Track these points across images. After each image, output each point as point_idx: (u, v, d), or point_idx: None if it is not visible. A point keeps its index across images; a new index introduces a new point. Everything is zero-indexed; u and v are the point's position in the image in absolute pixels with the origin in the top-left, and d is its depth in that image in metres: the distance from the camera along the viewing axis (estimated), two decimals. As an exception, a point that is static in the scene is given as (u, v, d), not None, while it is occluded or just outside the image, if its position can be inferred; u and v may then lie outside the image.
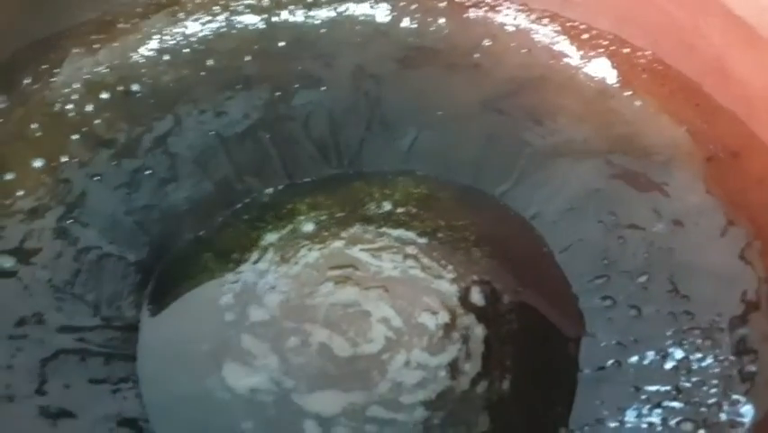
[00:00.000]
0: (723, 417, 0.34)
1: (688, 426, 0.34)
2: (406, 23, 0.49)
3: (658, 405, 0.35)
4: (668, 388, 0.36)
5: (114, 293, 0.38)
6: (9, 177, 0.39)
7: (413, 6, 0.49)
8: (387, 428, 0.36)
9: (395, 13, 0.49)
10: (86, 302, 0.37)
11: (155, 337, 0.38)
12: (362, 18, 0.49)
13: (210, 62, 0.46)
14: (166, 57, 0.46)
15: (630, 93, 0.45)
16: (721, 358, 0.36)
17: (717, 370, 0.36)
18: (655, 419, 0.35)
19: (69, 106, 0.42)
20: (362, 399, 0.37)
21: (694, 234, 0.41)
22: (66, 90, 0.43)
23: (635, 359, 0.37)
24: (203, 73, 0.46)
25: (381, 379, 0.37)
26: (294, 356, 0.38)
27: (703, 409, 0.35)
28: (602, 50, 0.46)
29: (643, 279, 0.40)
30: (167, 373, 0.37)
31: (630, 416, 0.35)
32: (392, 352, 0.38)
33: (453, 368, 0.38)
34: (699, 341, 0.37)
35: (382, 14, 0.49)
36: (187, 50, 0.46)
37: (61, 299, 0.37)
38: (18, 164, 0.40)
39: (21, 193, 0.39)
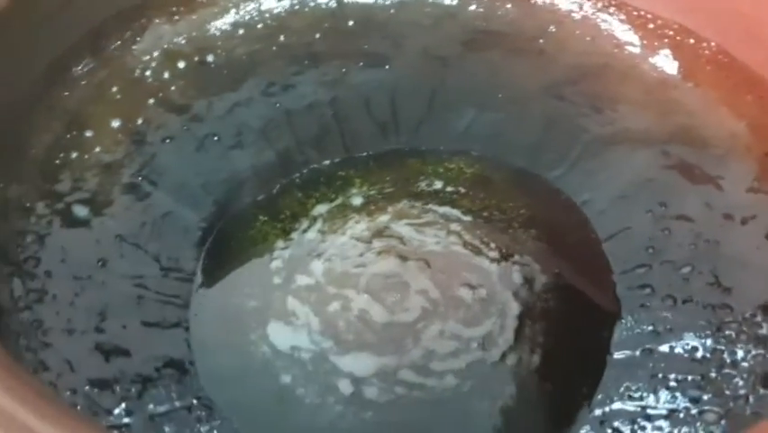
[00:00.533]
0: (748, 410, 0.34)
1: (710, 416, 0.34)
2: (473, 6, 0.50)
3: (684, 393, 0.35)
4: (696, 378, 0.36)
5: (175, 247, 0.41)
6: (89, 134, 0.43)
7: (481, -10, 0.50)
8: (415, 391, 0.37)
9: (463, -4, 0.50)
10: (147, 253, 0.40)
11: (208, 290, 0.40)
12: (431, 0, 0.50)
13: (281, 38, 0.49)
14: (240, 31, 0.49)
15: (692, 84, 0.45)
16: (754, 353, 0.36)
17: (748, 364, 0.35)
18: (679, 406, 0.35)
19: (148, 73, 0.46)
20: (395, 362, 0.38)
21: (743, 230, 0.40)
22: (146, 57, 0.46)
23: (666, 347, 0.37)
24: (274, 48, 0.49)
25: (414, 346, 0.39)
26: (334, 319, 0.39)
27: (729, 401, 0.35)
28: (667, 39, 0.46)
29: (686, 270, 0.40)
30: (215, 323, 0.39)
31: (653, 401, 0.36)
32: (427, 321, 0.39)
33: (486, 341, 0.39)
34: (734, 334, 0.37)
35: (451, -3, 0.50)
36: (261, 25, 0.49)
37: (125, 248, 0.40)
38: (97, 123, 0.43)
39: (98, 149, 0.43)
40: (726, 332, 0.37)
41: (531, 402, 0.37)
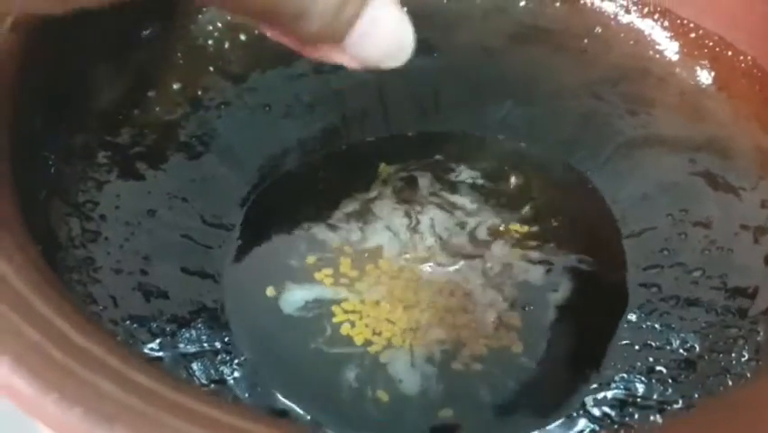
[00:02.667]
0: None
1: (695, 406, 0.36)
2: (523, 2, 0.52)
3: (676, 389, 0.37)
4: (691, 375, 0.38)
5: (219, 204, 0.45)
6: (151, 94, 0.46)
7: (533, -13, 0.52)
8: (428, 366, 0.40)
9: (516, -8, 0.52)
10: (194, 207, 0.44)
11: (246, 245, 0.44)
12: (484, -6, 0.52)
13: (338, 18, 0.51)
14: (300, 9, 0.51)
15: (726, 96, 0.46)
16: (747, 358, 0.37)
17: (740, 369, 0.37)
18: (669, 400, 0.37)
19: (210, 42, 0.49)
20: (420, 334, 0.41)
21: (758, 242, 0.42)
22: (209, 28, 0.49)
23: (666, 344, 0.39)
24: (330, 27, 0.51)
25: (429, 326, 0.41)
26: (361, 286, 0.43)
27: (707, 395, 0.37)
28: (706, 50, 0.47)
29: (696, 274, 0.42)
30: (250, 276, 0.43)
31: (646, 392, 0.38)
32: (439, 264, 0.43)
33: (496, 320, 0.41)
34: (733, 339, 0.38)
35: (504, -8, 0.52)
36: (320, 5, 0.52)
37: (174, 202, 0.43)
38: (160, 84, 0.47)
39: (158, 109, 0.46)
40: (726, 336, 0.39)
41: (526, 386, 0.39)
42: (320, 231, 0.45)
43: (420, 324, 0.41)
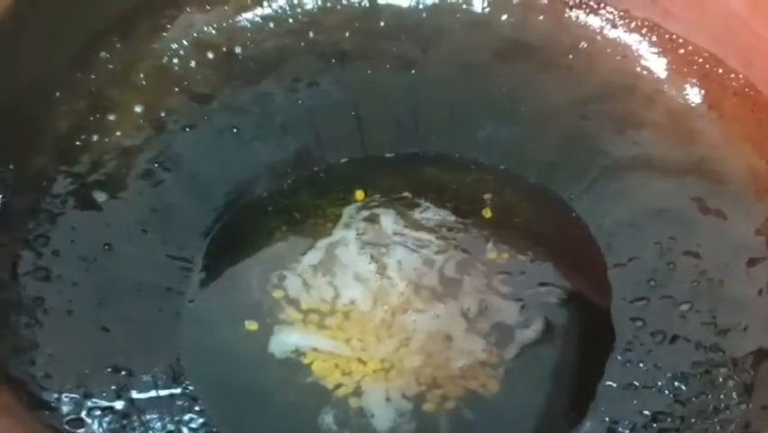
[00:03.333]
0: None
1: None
2: (505, 16, 0.50)
3: (655, 426, 0.35)
4: (677, 421, 0.36)
5: (181, 235, 0.42)
6: (111, 117, 0.44)
7: (515, 1, 0.49)
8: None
9: (496, 6, 0.50)
10: (154, 239, 0.41)
11: (207, 281, 0.42)
12: (464, 7, 0.50)
13: (311, 34, 0.49)
14: (271, 24, 0.49)
15: (717, 115, 0.44)
16: (738, 401, 0.35)
17: (730, 413, 0.35)
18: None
19: (175, 61, 0.47)
20: (386, 376, 0.39)
21: (748, 272, 0.39)
22: (174, 45, 0.47)
23: (652, 384, 0.37)
24: (302, 44, 0.49)
25: (400, 359, 0.39)
26: (327, 322, 0.40)
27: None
28: (696, 67, 0.45)
29: (684, 307, 0.39)
30: (210, 315, 0.41)
31: (620, 427, 0.36)
32: (417, 332, 0.40)
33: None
34: (722, 379, 0.36)
35: (483, 5, 0.50)
36: (292, 20, 0.49)
37: (133, 233, 0.41)
38: (121, 107, 0.44)
39: (119, 133, 0.44)
40: (715, 376, 0.37)
41: (509, 428, 0.37)
42: (287, 265, 0.43)
43: (394, 365, 0.39)
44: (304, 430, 0.37)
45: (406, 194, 0.46)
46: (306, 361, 0.39)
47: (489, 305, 0.41)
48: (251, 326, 0.40)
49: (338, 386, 0.38)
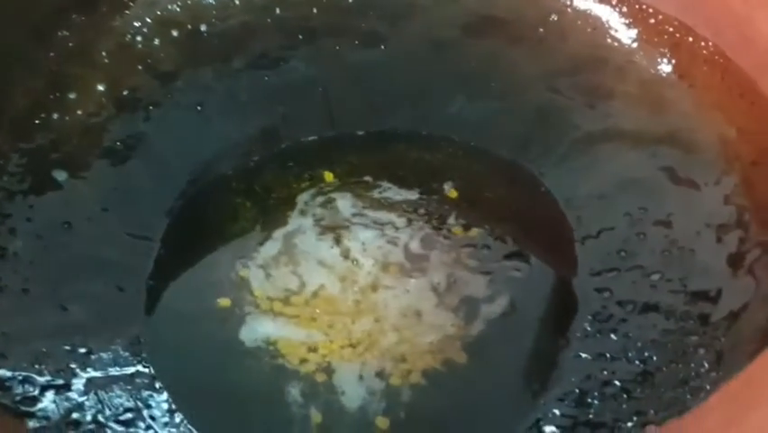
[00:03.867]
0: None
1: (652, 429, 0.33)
2: (476, -11, 0.49)
3: (629, 405, 0.35)
4: (647, 390, 0.35)
5: (143, 214, 0.42)
6: (72, 96, 0.43)
7: (485, -26, 0.49)
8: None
9: (467, -21, 0.49)
10: (114, 218, 0.41)
11: (169, 260, 0.41)
12: (434, -19, 0.49)
13: (277, 11, 0.48)
14: (237, 1, 0.48)
15: (688, 85, 0.43)
16: (708, 368, 0.34)
17: (701, 381, 0.34)
18: (622, 417, 0.34)
19: (138, 38, 0.46)
20: (357, 352, 0.38)
21: (721, 241, 0.39)
22: (137, 23, 0.46)
23: (621, 354, 0.36)
24: (269, 20, 0.48)
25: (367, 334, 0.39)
26: (287, 298, 0.40)
27: (674, 415, 0.33)
28: (666, 36, 0.44)
29: (655, 277, 0.39)
30: (169, 293, 0.40)
31: (599, 409, 0.35)
32: (386, 311, 0.39)
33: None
34: (692, 348, 0.36)
35: (454, -21, 0.49)
36: (258, -4, 0.49)
37: (93, 212, 0.40)
38: (82, 86, 0.44)
39: (80, 112, 0.43)
40: (686, 344, 0.36)
41: (472, 404, 0.37)
42: (248, 243, 0.42)
43: (362, 341, 0.38)
44: (269, 407, 0.36)
45: (366, 178, 0.45)
46: (271, 340, 0.38)
47: (458, 279, 0.40)
48: (224, 303, 0.39)
49: (303, 361, 0.37)
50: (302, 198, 0.43)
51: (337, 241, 0.42)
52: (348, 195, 0.44)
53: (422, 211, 0.43)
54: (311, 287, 0.40)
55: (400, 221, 0.43)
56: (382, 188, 0.44)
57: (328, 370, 0.37)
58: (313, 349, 0.38)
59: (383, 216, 0.43)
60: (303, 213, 0.43)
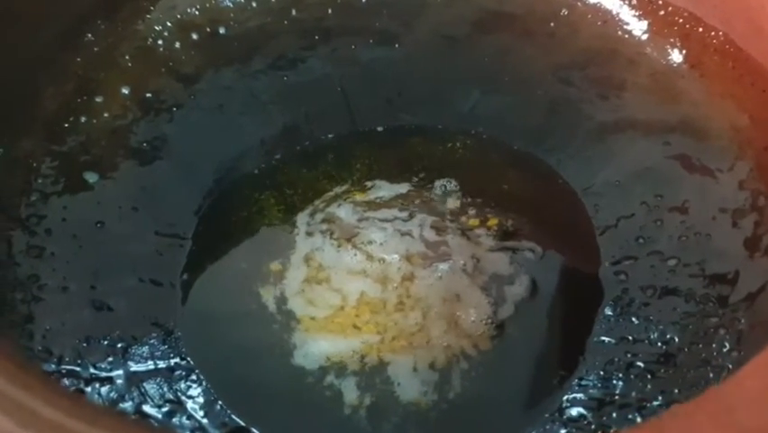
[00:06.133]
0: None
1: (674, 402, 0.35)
2: (487, -14, 0.50)
3: (655, 386, 0.36)
4: (670, 370, 0.36)
5: (172, 212, 0.43)
6: (98, 99, 0.44)
7: (495, -29, 0.50)
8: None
9: (476, -23, 0.50)
10: (145, 217, 0.42)
11: (199, 256, 0.42)
12: (445, -20, 0.50)
13: (294, 12, 0.49)
14: (254, 3, 0.49)
15: (699, 74, 0.44)
16: (729, 348, 0.36)
17: (722, 360, 0.35)
18: (648, 397, 0.35)
19: (160, 42, 0.47)
20: (376, 340, 0.39)
21: (734, 225, 0.40)
22: (158, 27, 0.47)
23: (644, 337, 0.38)
24: (286, 22, 0.49)
25: (394, 322, 0.40)
26: (315, 294, 0.41)
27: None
28: (676, 27, 0.45)
29: (672, 262, 0.40)
30: (203, 288, 0.41)
31: (624, 390, 0.36)
32: (411, 302, 0.40)
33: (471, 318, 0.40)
34: (713, 330, 0.37)
35: (465, -23, 0.50)
36: (275, -2, 0.50)
37: (124, 212, 0.41)
38: (107, 89, 0.45)
39: (106, 115, 0.44)
40: (706, 326, 0.37)
41: (506, 383, 0.38)
42: (277, 239, 0.43)
43: (414, 333, 0.39)
44: (309, 395, 0.37)
45: (395, 165, 0.46)
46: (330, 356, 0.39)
47: (481, 258, 0.41)
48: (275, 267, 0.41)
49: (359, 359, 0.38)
50: (302, 220, 0.44)
51: (356, 247, 0.42)
52: (344, 204, 0.44)
53: (417, 202, 0.44)
54: (353, 296, 0.40)
55: (403, 215, 0.44)
56: (375, 187, 0.45)
57: (382, 364, 0.38)
58: (369, 350, 0.39)
59: (386, 213, 0.44)
60: (310, 234, 0.43)
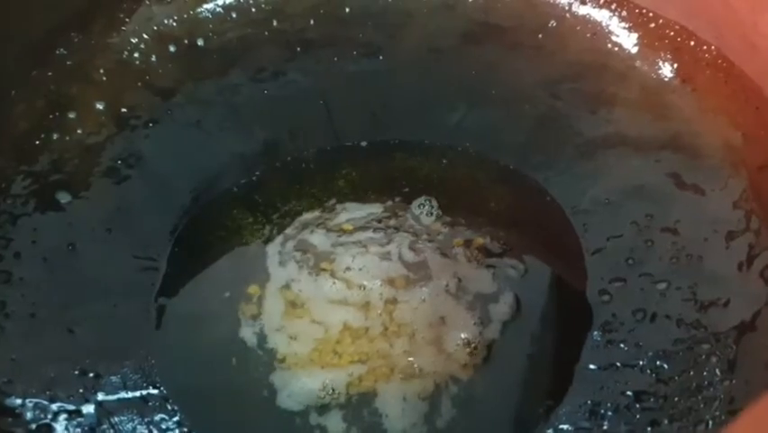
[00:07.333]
0: (701, 427, 0.33)
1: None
2: (473, -3, 0.49)
3: (645, 415, 0.34)
4: (660, 400, 0.35)
5: (147, 233, 0.41)
6: (71, 115, 0.43)
7: (482, -19, 0.49)
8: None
9: (463, -13, 0.49)
10: (119, 239, 0.40)
11: (174, 279, 0.40)
12: (431, -10, 0.49)
13: (274, 23, 0.48)
14: (233, 14, 0.48)
15: (691, 89, 0.43)
16: (721, 378, 0.34)
17: (714, 390, 0.34)
18: (636, 429, 0.34)
19: (136, 55, 0.45)
20: (359, 371, 0.38)
21: (727, 246, 0.39)
22: (134, 39, 0.45)
23: (633, 364, 0.36)
24: (266, 33, 0.48)
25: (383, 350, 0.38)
26: (295, 319, 0.39)
27: (690, 427, 0.33)
28: (667, 41, 0.44)
29: (662, 285, 0.39)
30: (178, 314, 0.39)
31: (614, 421, 0.35)
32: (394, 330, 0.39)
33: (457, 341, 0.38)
34: (704, 357, 0.36)
35: (451, -13, 0.49)
36: (254, 9, 0.48)
37: (97, 234, 0.40)
38: (81, 105, 0.43)
39: (79, 131, 0.43)
40: (697, 353, 0.36)
41: (493, 412, 0.36)
42: (253, 261, 0.42)
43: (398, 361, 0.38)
44: (286, 426, 0.36)
45: (378, 181, 0.45)
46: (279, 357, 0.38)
47: (463, 277, 0.40)
48: (254, 290, 0.40)
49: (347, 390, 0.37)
50: (273, 250, 0.42)
51: (333, 275, 0.41)
52: (316, 230, 0.43)
53: (392, 223, 0.43)
54: (335, 328, 0.39)
55: (377, 236, 0.42)
56: (345, 212, 0.44)
57: (370, 396, 0.37)
58: (357, 381, 0.38)
59: (361, 236, 0.42)
60: (283, 263, 0.41)
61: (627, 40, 0.45)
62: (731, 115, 0.42)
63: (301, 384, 0.37)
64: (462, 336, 0.39)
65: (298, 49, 0.48)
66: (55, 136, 0.42)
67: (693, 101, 0.43)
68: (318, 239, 0.42)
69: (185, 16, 0.47)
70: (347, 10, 0.49)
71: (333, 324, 0.39)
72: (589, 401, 0.36)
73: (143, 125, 0.44)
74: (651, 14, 0.45)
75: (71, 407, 0.34)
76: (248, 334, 0.39)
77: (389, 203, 0.44)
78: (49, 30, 0.43)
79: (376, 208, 0.44)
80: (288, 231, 0.43)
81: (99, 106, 0.44)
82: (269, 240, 0.42)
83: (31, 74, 0.42)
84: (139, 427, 0.34)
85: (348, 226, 0.43)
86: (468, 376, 0.37)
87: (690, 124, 0.43)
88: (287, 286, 0.41)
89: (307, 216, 0.43)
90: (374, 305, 0.40)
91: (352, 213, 0.44)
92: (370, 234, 0.42)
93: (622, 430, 0.34)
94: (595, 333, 0.38)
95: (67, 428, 0.33)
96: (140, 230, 0.41)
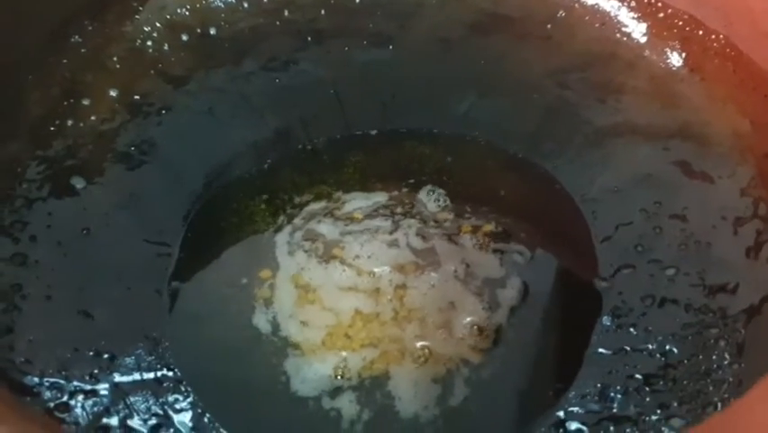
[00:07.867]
0: (710, 409, 0.33)
1: (676, 422, 0.34)
2: (482, -13, 0.49)
3: (654, 398, 0.35)
4: (669, 383, 0.35)
5: (160, 218, 0.42)
6: (85, 102, 0.43)
7: (491, -28, 0.49)
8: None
9: (473, -22, 0.49)
10: (132, 223, 0.41)
11: (187, 263, 0.41)
12: (440, -19, 0.49)
13: (286, 13, 0.48)
14: (245, 4, 0.48)
15: (699, 78, 0.44)
16: (730, 361, 0.35)
17: (722, 373, 0.34)
18: (646, 411, 0.34)
19: (149, 43, 0.46)
20: (371, 355, 0.38)
21: (735, 233, 0.39)
22: (147, 28, 0.46)
23: (643, 348, 0.37)
24: (278, 23, 0.48)
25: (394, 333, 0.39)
26: (305, 305, 0.40)
27: (698, 409, 0.34)
28: (676, 30, 0.44)
29: (671, 271, 0.39)
30: (191, 296, 0.40)
31: (623, 403, 0.35)
32: (406, 314, 0.39)
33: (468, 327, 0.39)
34: (713, 341, 0.36)
35: (460, -22, 0.49)
36: (267, -1, 0.49)
37: (111, 218, 0.40)
38: (95, 92, 0.44)
39: (93, 118, 0.43)
40: (706, 337, 0.36)
41: (503, 395, 0.37)
42: (264, 246, 0.42)
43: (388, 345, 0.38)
44: (305, 412, 0.36)
45: (388, 170, 0.45)
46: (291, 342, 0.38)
47: (471, 262, 0.40)
48: (266, 275, 0.40)
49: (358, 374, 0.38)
50: (282, 239, 0.42)
51: (343, 262, 0.41)
52: (323, 219, 0.43)
53: (400, 210, 0.44)
54: (347, 314, 0.39)
55: (386, 224, 0.43)
56: (345, 198, 0.44)
57: (382, 379, 0.38)
58: (370, 364, 0.38)
59: (370, 224, 0.43)
60: (292, 253, 0.42)
61: (636, 29, 0.46)
62: (739, 103, 0.42)
63: (314, 370, 0.37)
64: (471, 319, 0.39)
65: (309, 38, 0.48)
66: (69, 123, 0.42)
67: (702, 90, 0.43)
68: (327, 228, 0.42)
69: (197, 6, 0.47)
70: (357, 0, 0.49)
71: (344, 310, 0.40)
72: (598, 384, 0.36)
73: (156, 113, 0.44)
74: (659, 4, 0.45)
75: (87, 387, 0.34)
76: (260, 319, 0.39)
77: (398, 192, 0.44)
78: (64, 18, 0.43)
79: (384, 197, 0.44)
80: (297, 221, 0.43)
81: (113, 94, 0.44)
82: (279, 229, 0.42)
83: (46, 61, 0.42)
84: (153, 406, 0.35)
85: (357, 215, 0.43)
86: (478, 360, 0.38)
87: (698, 113, 0.43)
88: (297, 274, 0.41)
89: (316, 205, 0.44)
90: (384, 291, 0.40)
91: (361, 201, 0.44)
92: (378, 221, 0.43)
93: (631, 412, 0.35)
94: (605, 318, 0.38)
95: (83, 407, 0.33)
96: (153, 215, 0.41)
